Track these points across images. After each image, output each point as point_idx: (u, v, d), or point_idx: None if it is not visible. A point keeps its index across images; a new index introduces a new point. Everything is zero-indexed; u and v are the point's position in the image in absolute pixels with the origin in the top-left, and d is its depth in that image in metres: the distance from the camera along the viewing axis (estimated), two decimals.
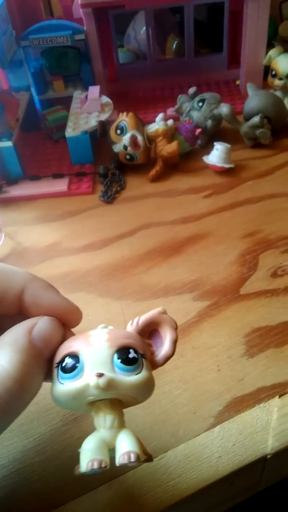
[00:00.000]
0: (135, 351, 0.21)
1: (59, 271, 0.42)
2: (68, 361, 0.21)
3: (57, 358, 0.21)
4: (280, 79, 0.61)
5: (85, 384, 0.20)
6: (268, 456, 0.28)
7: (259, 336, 0.35)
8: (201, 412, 0.30)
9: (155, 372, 0.23)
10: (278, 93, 0.61)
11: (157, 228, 0.47)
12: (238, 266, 0.41)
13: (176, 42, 0.75)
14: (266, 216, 0.46)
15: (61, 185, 0.52)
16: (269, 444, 0.28)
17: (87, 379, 0.20)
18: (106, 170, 0.53)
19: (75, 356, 0.21)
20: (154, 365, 0.22)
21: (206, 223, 0.46)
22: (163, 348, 0.23)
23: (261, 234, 0.44)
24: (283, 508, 0.51)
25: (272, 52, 0.63)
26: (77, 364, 0.21)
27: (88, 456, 0.20)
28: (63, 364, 0.21)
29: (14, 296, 0.23)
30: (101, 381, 0.20)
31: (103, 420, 0.21)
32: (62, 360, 0.21)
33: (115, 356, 0.21)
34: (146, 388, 0.22)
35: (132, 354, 0.21)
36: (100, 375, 0.20)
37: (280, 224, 0.45)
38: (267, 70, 0.64)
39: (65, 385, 0.21)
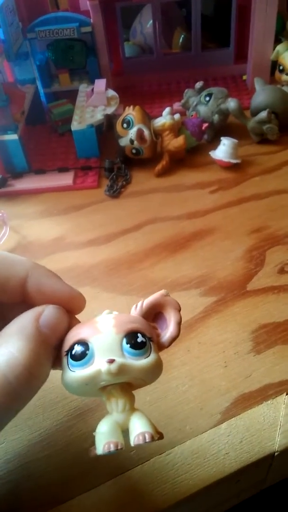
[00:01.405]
0: (143, 335, 0.21)
1: (63, 265, 0.42)
2: (78, 349, 0.21)
3: (66, 346, 0.22)
4: None
5: (96, 370, 0.20)
6: (276, 453, 0.28)
7: (266, 333, 0.34)
8: (208, 409, 0.30)
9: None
10: (286, 89, 0.60)
11: (163, 223, 0.46)
12: (244, 262, 0.40)
13: (182, 36, 0.74)
14: (273, 212, 0.46)
15: (67, 179, 0.52)
16: (277, 441, 0.28)
17: (98, 365, 0.20)
18: (112, 164, 0.53)
19: (84, 343, 0.21)
20: (160, 347, 0.23)
21: (212, 218, 0.46)
22: (168, 330, 0.23)
23: (268, 230, 0.44)
24: (285, 507, 0.51)
25: (280, 47, 0.62)
26: (87, 352, 0.21)
27: (104, 439, 0.21)
28: (73, 352, 0.21)
29: (17, 283, 0.23)
30: (113, 367, 0.20)
31: (116, 405, 0.21)
32: (71, 348, 0.21)
33: (124, 341, 0.21)
34: (156, 371, 0.22)
35: (140, 338, 0.21)
36: (111, 361, 0.20)
37: (287, 221, 0.45)
38: (275, 66, 0.64)
39: (76, 373, 0.21)
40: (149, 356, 0.21)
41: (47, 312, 0.22)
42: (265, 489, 0.32)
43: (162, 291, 0.23)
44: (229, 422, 0.29)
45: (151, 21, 0.70)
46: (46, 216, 0.49)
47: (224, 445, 0.28)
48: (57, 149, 0.58)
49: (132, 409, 0.22)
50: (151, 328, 0.23)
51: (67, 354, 0.21)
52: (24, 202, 0.51)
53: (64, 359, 0.21)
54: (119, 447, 0.20)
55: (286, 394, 0.30)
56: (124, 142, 0.52)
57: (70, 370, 0.21)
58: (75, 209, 0.49)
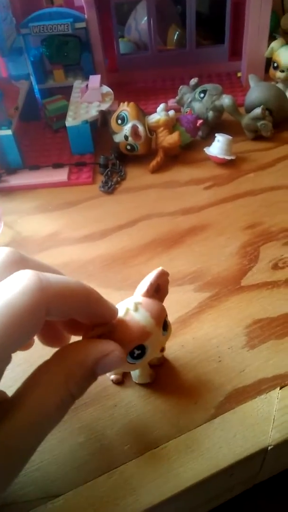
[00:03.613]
0: (165, 317, 0.28)
1: (58, 261, 0.42)
2: (138, 352, 0.27)
3: (125, 349, 0.25)
4: (282, 71, 0.60)
5: (154, 355, 0.29)
6: (269, 448, 0.28)
7: (260, 328, 0.34)
8: (202, 403, 0.30)
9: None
10: (280, 86, 0.60)
11: (158, 219, 0.46)
12: (239, 258, 0.41)
13: (177, 33, 0.74)
14: (267, 208, 0.46)
15: (61, 175, 0.52)
16: (270, 435, 0.28)
17: (155, 352, 0.28)
18: (107, 161, 0.53)
19: (142, 347, 0.26)
20: (163, 300, 0.29)
21: (207, 214, 0.46)
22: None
23: (262, 226, 0.44)
24: (279, 501, 0.51)
25: (274, 44, 0.62)
26: (145, 351, 0.27)
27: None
28: (134, 355, 0.26)
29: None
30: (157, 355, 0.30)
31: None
32: (132, 351, 0.26)
33: (162, 330, 0.28)
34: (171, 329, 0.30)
35: (167, 322, 0.28)
36: (162, 349, 0.30)
37: (281, 217, 0.45)
38: (269, 63, 0.64)
39: (139, 363, 0.27)
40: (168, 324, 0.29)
41: (111, 360, 0.23)
42: (259, 483, 0.32)
43: (160, 270, 0.28)
44: (223, 417, 0.29)
45: (145, 18, 0.69)
46: (40, 212, 0.49)
47: (218, 439, 0.28)
48: (52, 145, 0.58)
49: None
50: (163, 305, 0.29)
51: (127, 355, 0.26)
52: (18, 198, 0.51)
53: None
54: None
55: (280, 389, 0.30)
56: (118, 138, 0.52)
57: (131, 363, 0.27)
58: (69, 205, 0.49)
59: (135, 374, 0.31)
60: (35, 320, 0.20)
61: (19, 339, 0.20)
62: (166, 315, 0.28)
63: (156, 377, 0.31)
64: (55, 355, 0.23)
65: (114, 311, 0.26)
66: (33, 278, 0.21)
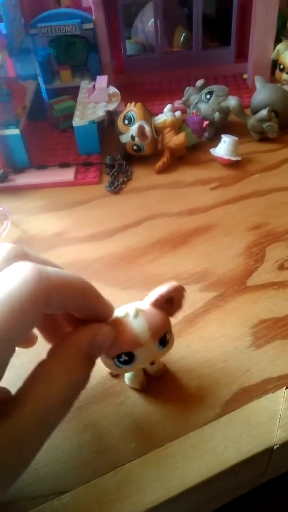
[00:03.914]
0: (168, 332, 0.27)
1: (64, 260, 0.42)
2: (125, 358, 0.26)
3: (112, 353, 0.26)
4: None
5: (140, 371, 0.30)
6: (275, 447, 0.28)
7: (265, 328, 0.34)
8: (207, 402, 0.30)
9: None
10: (286, 87, 0.60)
11: (163, 219, 0.46)
12: (244, 258, 0.41)
13: (183, 34, 0.74)
14: (273, 209, 0.46)
15: (68, 174, 0.52)
16: (276, 435, 0.28)
17: (143, 363, 0.27)
18: (113, 161, 0.53)
19: (130, 354, 0.26)
20: (172, 314, 0.28)
21: (213, 215, 0.46)
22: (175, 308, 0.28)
23: (268, 227, 0.44)
24: (284, 501, 0.51)
25: (280, 46, 0.62)
26: (133, 359, 0.26)
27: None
28: (121, 359, 0.26)
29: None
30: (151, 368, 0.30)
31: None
32: (119, 355, 0.26)
33: (158, 343, 0.26)
34: (172, 345, 0.28)
35: (167, 338, 0.27)
36: (153, 363, 0.29)
37: (287, 218, 0.45)
38: (275, 65, 0.64)
39: (123, 368, 0.27)
40: (169, 342, 0.28)
41: (99, 340, 0.24)
42: (265, 483, 0.32)
43: (174, 284, 0.26)
44: (228, 416, 0.29)
45: (152, 20, 0.70)
46: (47, 211, 0.49)
47: (223, 438, 0.28)
48: (59, 145, 0.58)
49: None
50: (169, 319, 0.27)
51: (114, 358, 0.26)
52: (25, 197, 0.51)
53: (111, 359, 0.26)
54: None
55: (286, 388, 0.30)
56: (125, 138, 0.52)
57: (117, 365, 0.26)
58: (76, 205, 0.49)
59: (127, 375, 0.31)
60: (35, 311, 0.21)
61: (20, 330, 0.20)
62: (169, 331, 0.27)
63: (161, 377, 0.31)
64: (51, 350, 0.23)
65: (110, 308, 0.26)
66: (32, 270, 0.21)
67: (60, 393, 0.22)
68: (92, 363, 0.24)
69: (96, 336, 0.24)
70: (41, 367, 0.23)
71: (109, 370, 0.31)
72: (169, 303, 0.27)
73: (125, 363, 0.26)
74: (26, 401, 0.21)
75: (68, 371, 0.22)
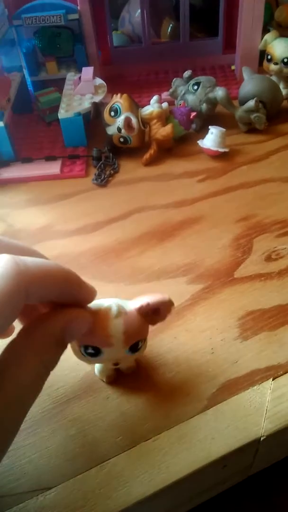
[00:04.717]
0: (142, 340, 0.27)
1: (50, 253, 0.41)
2: (92, 351, 0.26)
3: (80, 341, 0.25)
4: (276, 63, 0.60)
5: (104, 365, 0.30)
6: (262, 438, 0.28)
7: (252, 319, 0.34)
8: (194, 394, 0.30)
9: (148, 356, 0.32)
10: (274, 78, 0.60)
11: (151, 212, 0.46)
12: (232, 250, 0.40)
13: (171, 25, 0.74)
14: (260, 200, 0.46)
15: (54, 168, 0.52)
16: (263, 426, 0.28)
17: (107, 362, 0.28)
18: (100, 153, 0.53)
19: (97, 349, 0.25)
20: (154, 324, 0.27)
21: (200, 207, 0.46)
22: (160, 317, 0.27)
23: (256, 219, 0.44)
24: (271, 493, 0.51)
25: (268, 37, 0.62)
26: (99, 354, 0.26)
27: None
28: (88, 350, 0.26)
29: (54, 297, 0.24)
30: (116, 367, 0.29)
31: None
32: (86, 346, 0.25)
33: (127, 349, 0.26)
34: (142, 352, 0.28)
35: (139, 345, 0.26)
36: (116, 364, 0.28)
37: (274, 209, 0.45)
38: (263, 56, 0.63)
39: (88, 359, 0.26)
40: (140, 348, 0.27)
41: (74, 328, 0.23)
42: (252, 475, 0.32)
43: (165, 298, 0.26)
44: (215, 408, 0.29)
45: (139, 10, 0.69)
46: (33, 204, 0.48)
47: (210, 430, 0.28)
48: (44, 138, 0.57)
49: None
50: (147, 328, 0.27)
51: (81, 346, 0.26)
52: (10, 191, 0.50)
53: (78, 346, 0.26)
54: None
55: (273, 380, 0.30)
56: (111, 130, 0.51)
57: (83, 355, 0.26)
58: (62, 198, 0.49)
59: (96, 366, 0.31)
60: (14, 304, 0.20)
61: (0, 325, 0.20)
62: (144, 340, 0.27)
63: (149, 370, 0.31)
64: (22, 330, 0.23)
65: (91, 293, 0.25)
66: (9, 263, 0.20)
67: (31, 375, 0.22)
68: (64, 347, 0.24)
69: (71, 323, 0.23)
70: (12, 349, 0.22)
71: (104, 379, 0.31)
72: (154, 313, 0.26)
73: (90, 355, 0.26)
74: None
75: (40, 355, 0.22)
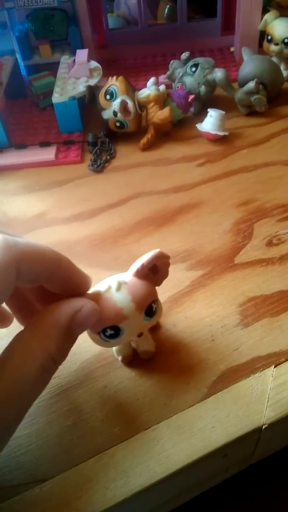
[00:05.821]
0: (154, 301, 0.26)
1: (46, 241, 0.41)
2: (111, 332, 0.25)
3: (98, 327, 0.25)
4: (276, 44, 0.58)
5: (128, 344, 0.30)
6: (264, 427, 0.27)
7: (254, 306, 0.33)
8: (194, 383, 0.29)
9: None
10: (274, 59, 0.58)
11: (149, 197, 0.45)
12: (232, 235, 0.39)
13: (168, 6, 0.72)
14: (261, 184, 0.45)
15: (49, 153, 0.50)
16: (265, 414, 0.27)
17: (132, 336, 0.26)
18: (95, 138, 0.51)
19: (116, 327, 0.25)
20: (159, 283, 0.27)
21: (199, 192, 0.45)
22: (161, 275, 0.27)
23: (256, 203, 0.43)
24: (273, 482, 0.50)
25: (267, 16, 0.60)
26: (119, 332, 0.25)
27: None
28: (107, 334, 0.25)
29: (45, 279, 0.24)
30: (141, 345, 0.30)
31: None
32: (104, 329, 0.25)
33: (144, 314, 0.26)
34: (160, 314, 0.28)
35: (154, 308, 0.26)
36: (140, 334, 0.27)
37: (275, 193, 0.44)
38: (263, 36, 0.62)
39: (112, 342, 0.26)
40: (157, 313, 0.27)
41: (84, 314, 0.23)
42: (254, 464, 0.32)
43: (155, 252, 0.26)
44: (216, 396, 0.28)
45: None
46: (27, 192, 0.47)
47: (210, 419, 0.27)
48: (39, 124, 0.56)
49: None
50: (154, 287, 0.26)
51: (99, 333, 0.25)
52: (4, 178, 0.49)
53: (97, 334, 0.25)
54: None
55: (275, 367, 0.29)
56: (107, 114, 0.50)
57: (104, 340, 0.26)
58: (57, 185, 0.48)
59: (114, 349, 0.30)
60: (5, 277, 0.20)
61: None
62: (155, 300, 0.26)
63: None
64: (28, 323, 0.23)
65: (86, 280, 0.25)
66: None
67: (36, 367, 0.21)
68: (72, 338, 0.23)
69: (77, 313, 0.23)
70: (18, 340, 0.22)
71: (119, 358, 0.30)
72: (153, 272, 0.26)
73: (112, 337, 0.25)
74: (2, 373, 0.21)
75: (45, 346, 0.22)
